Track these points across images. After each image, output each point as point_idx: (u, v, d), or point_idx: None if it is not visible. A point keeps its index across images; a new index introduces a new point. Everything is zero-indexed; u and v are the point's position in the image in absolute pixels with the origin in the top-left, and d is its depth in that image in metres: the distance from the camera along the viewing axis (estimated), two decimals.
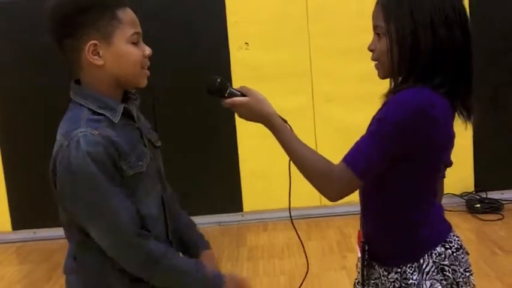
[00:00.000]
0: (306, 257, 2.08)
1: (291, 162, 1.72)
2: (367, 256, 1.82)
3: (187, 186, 5.27)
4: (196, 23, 5.23)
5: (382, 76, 1.74)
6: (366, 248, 1.82)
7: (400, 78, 1.68)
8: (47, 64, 4.83)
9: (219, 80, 1.79)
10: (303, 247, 2.09)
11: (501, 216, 4.99)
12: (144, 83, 1.76)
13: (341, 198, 1.67)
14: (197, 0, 5.24)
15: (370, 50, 1.73)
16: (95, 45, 1.64)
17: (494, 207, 5.13)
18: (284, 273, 4.18)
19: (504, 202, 5.20)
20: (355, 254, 4.63)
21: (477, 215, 5.04)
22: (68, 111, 1.71)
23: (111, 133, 1.64)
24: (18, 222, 5.40)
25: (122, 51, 1.67)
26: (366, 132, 1.65)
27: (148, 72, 1.76)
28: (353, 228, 4.84)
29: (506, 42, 5.15)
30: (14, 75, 5.25)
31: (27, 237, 5.34)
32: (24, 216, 5.34)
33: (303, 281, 2.08)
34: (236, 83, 5.15)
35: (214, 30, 5.20)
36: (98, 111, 1.67)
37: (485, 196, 5.29)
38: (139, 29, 1.72)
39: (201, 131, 5.30)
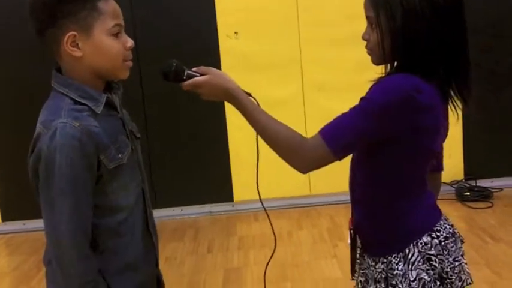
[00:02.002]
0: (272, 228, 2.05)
1: (258, 135, 1.71)
2: (359, 245, 1.81)
3: (178, 176, 5.27)
4: (185, 13, 5.20)
5: (376, 63, 1.73)
6: (356, 237, 1.82)
7: (393, 67, 1.68)
8: (36, 55, 4.80)
9: (175, 63, 1.75)
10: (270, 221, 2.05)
11: (490, 204, 5.01)
12: (125, 75, 1.74)
13: (311, 170, 1.67)
14: None
15: (364, 40, 1.72)
16: (74, 36, 1.62)
17: (484, 195, 5.15)
18: (275, 263, 4.17)
19: (493, 190, 5.23)
20: (346, 243, 4.66)
21: (467, 203, 5.06)
22: (49, 100, 1.69)
23: (92, 123, 1.62)
24: (7, 214, 5.39)
25: (101, 43, 1.65)
26: (349, 110, 1.63)
27: (130, 64, 1.73)
28: (344, 217, 4.85)
29: (496, 29, 5.16)
30: (1, 67, 5.20)
31: (17, 228, 5.33)
32: (13, 207, 5.32)
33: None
34: (226, 73, 5.15)
35: (203, 19, 5.18)
36: (80, 101, 1.65)
37: (474, 184, 5.31)
38: (121, 21, 1.69)
39: (191, 120, 5.28)
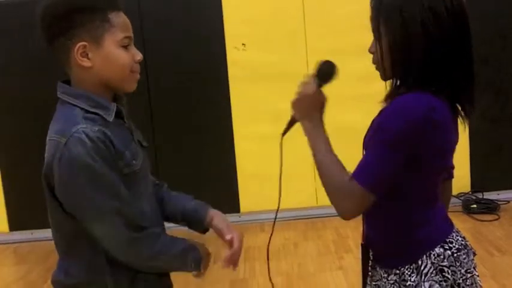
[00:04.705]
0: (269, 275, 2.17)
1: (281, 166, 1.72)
2: (371, 257, 1.80)
3: (185, 187, 5.26)
4: (194, 24, 5.23)
5: (384, 78, 1.71)
6: (368, 250, 1.80)
7: (398, 81, 1.67)
8: (41, 64, 4.84)
9: (335, 68, 1.78)
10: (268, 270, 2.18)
11: (497, 217, 5.00)
12: (132, 88, 1.74)
13: (354, 215, 1.64)
14: (194, 1, 5.25)
15: (371, 53, 1.71)
16: (84, 46, 1.63)
17: (491, 207, 5.14)
18: (281, 274, 4.18)
19: (500, 203, 5.22)
20: (352, 254, 4.64)
21: (473, 215, 5.05)
22: (58, 111, 1.69)
23: (106, 131, 1.63)
24: (15, 223, 5.41)
25: (111, 54, 1.66)
26: (371, 145, 1.63)
27: (138, 77, 1.74)
28: (350, 229, 4.85)
29: (501, 39, 5.17)
30: (8, 77, 5.25)
31: (24, 238, 5.35)
32: (21, 217, 5.34)
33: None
34: (233, 84, 5.19)
35: (211, 31, 5.20)
36: (91, 110, 1.65)
37: (481, 196, 5.30)
38: (130, 34, 1.70)
39: (198, 131, 5.30)
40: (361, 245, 1.83)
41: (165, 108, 5.22)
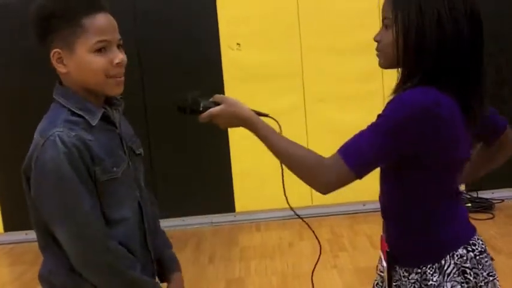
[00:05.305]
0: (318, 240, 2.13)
1: (279, 159, 1.70)
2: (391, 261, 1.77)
3: (180, 186, 5.28)
4: (188, 24, 5.23)
5: (384, 66, 1.70)
6: (391, 258, 1.77)
7: (405, 73, 1.64)
8: (41, 64, 4.83)
9: (190, 97, 1.76)
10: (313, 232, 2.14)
11: (492, 216, 5.02)
12: (115, 91, 1.71)
13: (332, 190, 1.63)
14: (189, 1, 5.25)
15: (376, 41, 1.69)
16: (59, 53, 1.63)
17: (485, 206, 5.16)
18: (276, 274, 4.19)
19: (495, 201, 5.24)
20: (347, 253, 4.63)
21: (468, 214, 5.04)
22: (49, 111, 1.70)
23: (86, 136, 1.63)
24: (9, 224, 5.39)
25: (82, 60, 1.63)
26: (366, 127, 1.60)
27: (117, 81, 1.69)
28: (344, 228, 4.86)
29: (498, 41, 5.18)
30: (8, 77, 5.24)
31: (19, 238, 5.32)
32: (15, 217, 5.32)
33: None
34: (228, 84, 5.19)
35: (205, 31, 5.21)
36: (78, 112, 1.65)
37: (476, 195, 5.31)
38: (108, 36, 1.65)
39: (193, 131, 5.29)
40: (386, 252, 1.79)
41: (159, 108, 5.21)
